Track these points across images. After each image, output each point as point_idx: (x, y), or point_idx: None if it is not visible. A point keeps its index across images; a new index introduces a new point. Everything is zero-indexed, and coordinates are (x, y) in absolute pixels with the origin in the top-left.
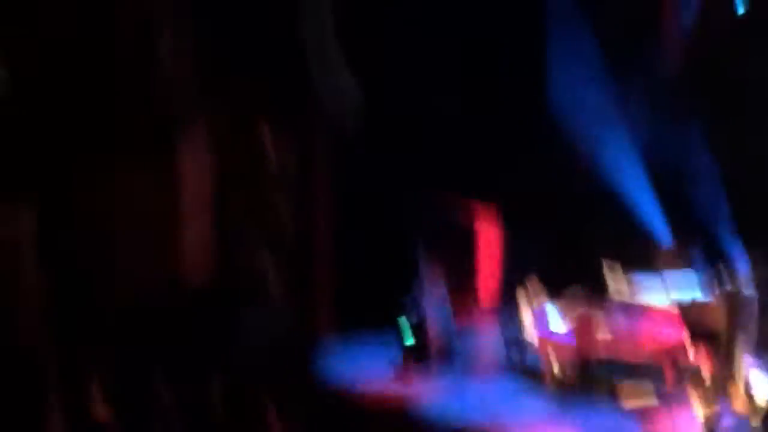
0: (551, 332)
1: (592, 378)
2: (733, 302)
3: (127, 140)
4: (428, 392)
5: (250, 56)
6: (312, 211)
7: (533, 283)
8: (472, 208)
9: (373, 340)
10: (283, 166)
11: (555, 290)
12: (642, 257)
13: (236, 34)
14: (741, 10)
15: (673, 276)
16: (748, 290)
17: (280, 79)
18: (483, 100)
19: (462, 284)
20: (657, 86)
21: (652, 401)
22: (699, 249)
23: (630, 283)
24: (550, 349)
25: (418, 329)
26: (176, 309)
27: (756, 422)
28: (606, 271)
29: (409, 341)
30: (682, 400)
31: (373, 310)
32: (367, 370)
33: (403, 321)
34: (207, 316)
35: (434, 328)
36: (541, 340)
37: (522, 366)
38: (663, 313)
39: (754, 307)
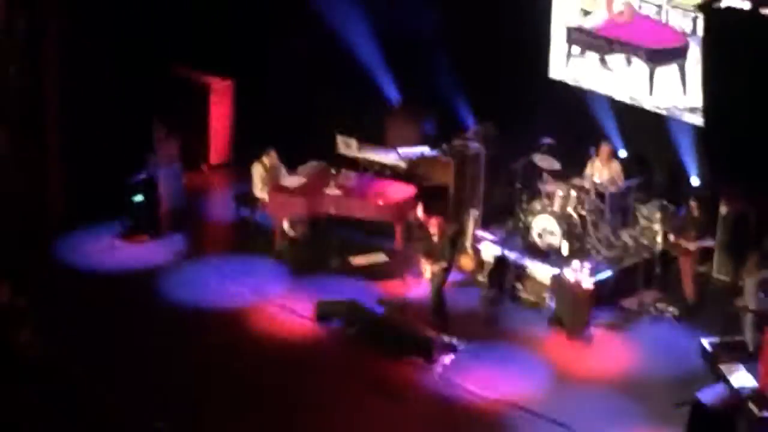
0: (281, 187)
1: (321, 234)
2: (460, 157)
3: None
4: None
5: None
6: (42, 80)
7: (271, 153)
8: (207, 81)
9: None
10: (12, 34)
11: (294, 163)
12: (375, 121)
13: None
14: None
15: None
16: (474, 145)
17: None
18: None
19: (193, 147)
20: None
21: (379, 257)
22: (428, 108)
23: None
24: (279, 205)
25: (148, 187)
26: None
27: (481, 277)
28: (340, 144)
29: (138, 198)
30: (410, 256)
31: (106, 179)
32: (99, 241)
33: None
34: None
35: (164, 186)
36: (272, 194)
37: (252, 222)
38: (392, 169)
39: (480, 162)
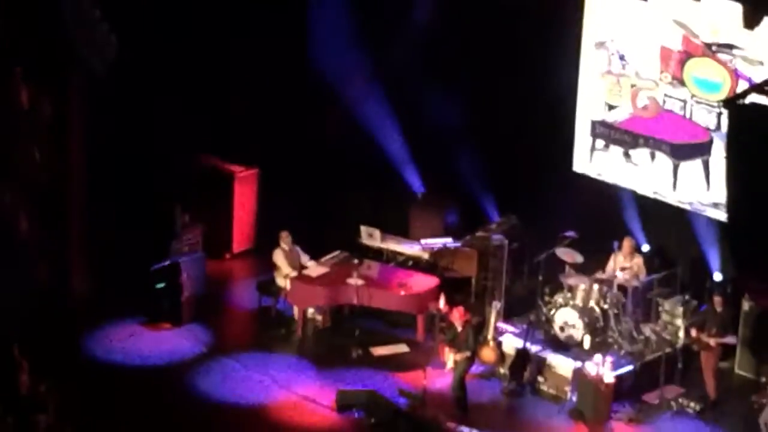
0: (304, 276)
1: (344, 324)
2: (483, 248)
3: None
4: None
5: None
6: (66, 166)
7: (286, 237)
8: (232, 169)
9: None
10: (37, 114)
11: (317, 253)
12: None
13: None
14: None
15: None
16: (497, 237)
17: (36, 29)
18: (244, 63)
19: (217, 235)
20: (414, 48)
21: (401, 348)
22: (452, 197)
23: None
24: (302, 294)
25: (171, 275)
26: None
27: (503, 369)
28: (364, 234)
29: (161, 285)
30: (432, 348)
31: (130, 266)
32: (122, 328)
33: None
34: None
35: (187, 273)
36: (294, 283)
37: (275, 311)
38: (415, 260)
39: (504, 254)
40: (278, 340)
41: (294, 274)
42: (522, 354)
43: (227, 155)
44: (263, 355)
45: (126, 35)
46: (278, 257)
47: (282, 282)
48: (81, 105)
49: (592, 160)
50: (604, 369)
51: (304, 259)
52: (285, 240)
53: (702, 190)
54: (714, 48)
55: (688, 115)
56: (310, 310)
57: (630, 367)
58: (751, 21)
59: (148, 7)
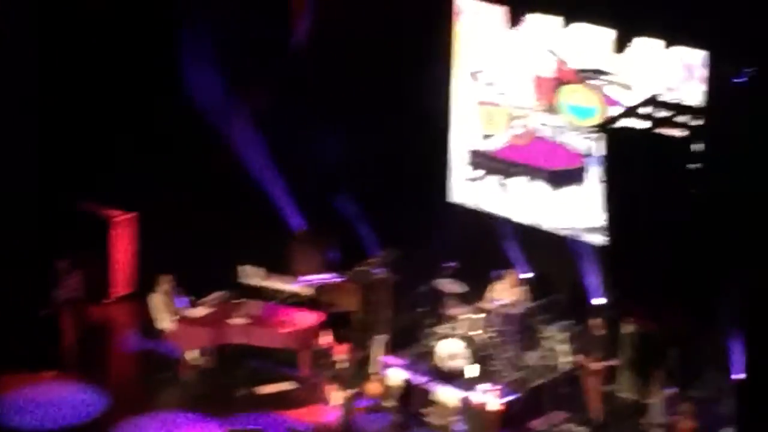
0: (186, 318)
1: (229, 364)
2: (365, 282)
3: None
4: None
5: None
6: None
7: (168, 280)
8: (109, 214)
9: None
10: None
11: (199, 293)
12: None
13: None
14: None
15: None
16: (379, 271)
17: None
18: (122, 107)
19: (97, 280)
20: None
21: (287, 386)
22: (332, 232)
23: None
24: (184, 335)
25: (52, 322)
26: None
27: (390, 403)
28: (245, 273)
29: (42, 333)
30: (318, 384)
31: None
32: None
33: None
34: None
35: (67, 320)
36: (176, 325)
37: (158, 353)
38: (297, 297)
39: (386, 287)
40: (163, 383)
41: (167, 319)
42: (408, 386)
43: (106, 200)
44: (148, 397)
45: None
46: (153, 302)
47: (162, 324)
48: None
49: (470, 189)
50: (490, 398)
51: (182, 306)
52: (164, 284)
53: (579, 215)
54: (585, 74)
55: (563, 142)
56: (195, 352)
57: (516, 395)
58: (620, 45)
59: (27, 49)
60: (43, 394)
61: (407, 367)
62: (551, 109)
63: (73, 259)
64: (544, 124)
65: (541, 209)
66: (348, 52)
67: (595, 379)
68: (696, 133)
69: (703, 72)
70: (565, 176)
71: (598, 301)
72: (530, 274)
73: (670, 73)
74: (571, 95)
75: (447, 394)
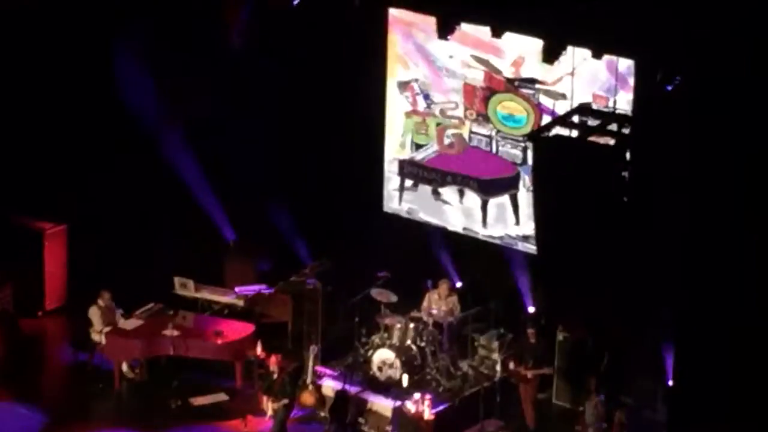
0: (118, 329)
1: (161, 376)
2: (298, 293)
3: None
4: None
5: None
6: None
7: (105, 296)
8: (40, 226)
9: None
10: None
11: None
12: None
13: None
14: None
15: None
16: (311, 281)
17: None
18: (51, 117)
19: (28, 293)
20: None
21: (221, 397)
22: (264, 243)
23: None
24: (117, 347)
25: None
26: None
27: (323, 412)
28: (177, 284)
29: None
30: (251, 395)
31: None
32: None
33: None
34: None
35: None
36: (109, 337)
37: (91, 366)
38: (230, 308)
39: (318, 298)
40: (95, 395)
41: (108, 329)
42: (342, 396)
43: (36, 213)
44: (83, 412)
45: None
46: (93, 314)
47: (97, 337)
48: None
49: (402, 199)
50: (423, 406)
51: (119, 318)
52: (104, 298)
53: (511, 224)
54: (516, 83)
55: (494, 151)
56: (125, 368)
57: (449, 403)
58: (549, 56)
59: None
60: None
61: (341, 377)
62: (482, 118)
63: (4, 271)
64: (476, 133)
65: (474, 218)
66: (282, 61)
67: (530, 387)
68: (626, 141)
69: (631, 80)
70: (497, 185)
71: (532, 309)
72: (463, 283)
73: (601, 82)
74: (503, 103)
75: (381, 404)
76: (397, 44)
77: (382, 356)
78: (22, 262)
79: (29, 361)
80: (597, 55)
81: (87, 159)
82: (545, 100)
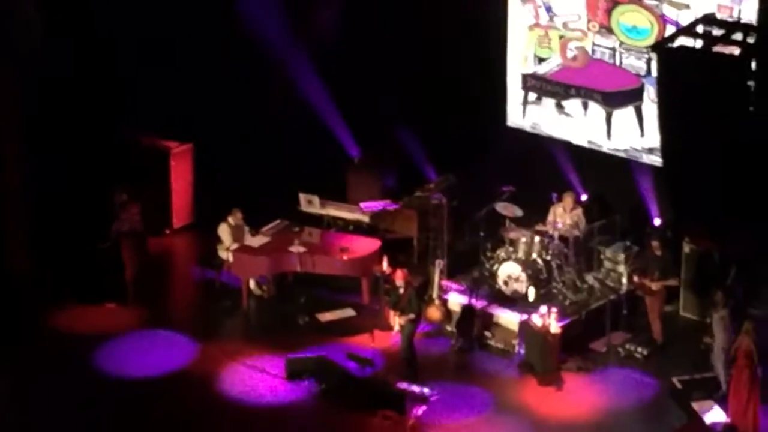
0: (245, 247)
1: (289, 292)
2: (423, 208)
3: None
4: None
5: None
6: (2, 148)
7: (236, 214)
8: (166, 145)
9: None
10: None
11: (257, 223)
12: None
13: None
14: None
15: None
16: (436, 196)
17: None
18: (178, 39)
19: (156, 212)
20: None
21: (348, 313)
22: (389, 159)
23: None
24: (244, 264)
25: (112, 254)
26: None
27: (450, 327)
28: (303, 201)
29: (103, 265)
30: (378, 310)
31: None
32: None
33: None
34: None
35: (128, 252)
36: (236, 254)
37: (218, 283)
38: (355, 224)
39: (443, 213)
40: (224, 312)
41: (235, 246)
42: (468, 311)
43: (162, 132)
44: (210, 327)
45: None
46: (223, 231)
47: (225, 255)
48: (10, 89)
49: (526, 113)
50: (550, 320)
51: (247, 236)
52: (235, 216)
53: (636, 136)
54: None
55: (618, 63)
56: (252, 285)
57: (575, 317)
58: None
59: None
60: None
61: (467, 292)
62: (606, 30)
63: (132, 191)
64: (599, 45)
65: (599, 131)
66: None
67: (656, 299)
68: (751, 51)
69: None
70: (622, 97)
71: (658, 221)
72: (588, 196)
73: None
74: (626, 15)
75: (507, 317)
76: None
77: (508, 270)
78: (150, 182)
79: (157, 279)
80: None
81: (214, 79)
82: (669, 11)
